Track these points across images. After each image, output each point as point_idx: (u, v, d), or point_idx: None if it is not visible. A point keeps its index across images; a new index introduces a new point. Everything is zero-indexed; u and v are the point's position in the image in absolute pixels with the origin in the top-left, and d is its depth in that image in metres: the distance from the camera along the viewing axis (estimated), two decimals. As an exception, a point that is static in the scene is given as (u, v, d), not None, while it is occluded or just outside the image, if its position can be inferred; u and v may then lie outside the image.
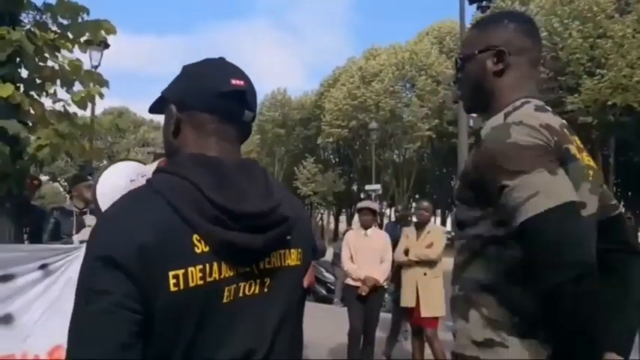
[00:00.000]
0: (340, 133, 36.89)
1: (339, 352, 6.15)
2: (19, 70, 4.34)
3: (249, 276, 1.01)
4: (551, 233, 1.14)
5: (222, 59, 1.14)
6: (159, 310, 0.89)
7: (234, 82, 1.07)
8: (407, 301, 5.28)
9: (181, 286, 0.90)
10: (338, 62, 60.66)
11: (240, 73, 1.10)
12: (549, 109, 1.40)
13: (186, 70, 1.13)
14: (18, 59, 4.26)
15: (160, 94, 1.15)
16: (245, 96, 1.08)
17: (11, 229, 3.92)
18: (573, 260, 1.11)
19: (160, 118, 1.21)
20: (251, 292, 1.01)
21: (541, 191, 1.16)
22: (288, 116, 44.46)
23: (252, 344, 1.01)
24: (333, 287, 10.85)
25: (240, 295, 1.00)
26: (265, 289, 1.04)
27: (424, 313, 5.14)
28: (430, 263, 5.24)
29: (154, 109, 1.19)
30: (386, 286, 5.70)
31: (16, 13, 4.39)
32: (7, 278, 3.41)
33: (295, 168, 41.49)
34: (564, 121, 1.38)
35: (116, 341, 0.86)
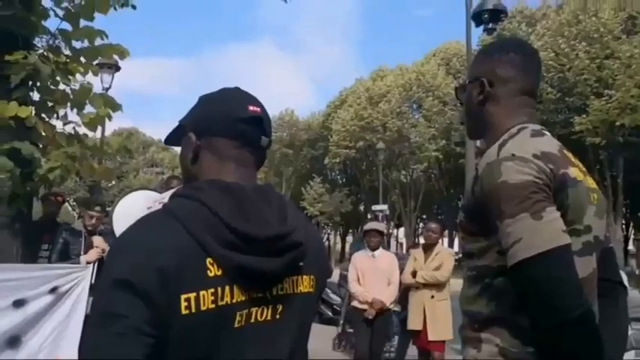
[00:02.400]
0: (347, 154, 36.96)
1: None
2: (30, 93, 4.42)
3: (262, 302, 1.01)
4: (534, 282, 1.17)
5: (237, 88, 1.18)
6: (172, 333, 0.90)
7: (251, 108, 1.10)
8: (414, 323, 5.23)
9: (193, 310, 0.91)
10: (345, 83, 61.06)
11: (255, 100, 1.14)
12: (547, 132, 1.41)
13: (204, 98, 1.16)
14: (30, 82, 4.34)
15: (177, 124, 1.18)
16: (262, 122, 1.12)
17: (19, 250, 3.94)
18: (559, 307, 1.13)
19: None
20: (263, 317, 1.01)
21: (524, 238, 1.18)
22: (295, 137, 44.65)
23: None
24: (339, 309, 10.75)
25: (252, 320, 1.00)
26: (277, 316, 1.04)
27: (431, 336, 5.09)
28: (438, 286, 5.20)
29: (171, 140, 1.21)
30: (394, 309, 5.65)
31: (29, 37, 4.48)
32: (19, 304, 3.40)
33: (302, 188, 41.50)
34: (561, 145, 1.38)
35: None
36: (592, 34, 25.73)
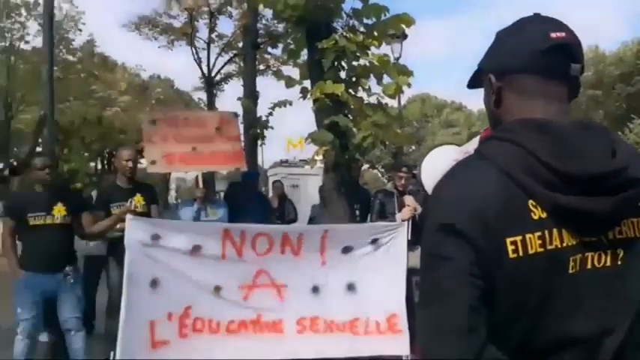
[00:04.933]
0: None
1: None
2: (338, 72, 4.99)
3: (598, 246, 0.92)
4: None
5: (536, 15, 1.06)
6: (500, 277, 0.89)
7: (553, 35, 0.98)
8: None
9: (520, 253, 0.89)
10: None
11: (559, 25, 1.01)
12: None
13: (500, 35, 1.08)
14: (336, 63, 4.90)
15: (476, 68, 1.13)
16: (569, 48, 0.99)
17: (346, 210, 4.57)
18: None
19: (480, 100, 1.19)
20: (601, 264, 0.93)
21: None
22: (603, 74, 39.01)
23: (606, 322, 0.92)
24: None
25: (589, 266, 0.92)
26: (618, 262, 0.93)
27: None
28: None
29: (471, 84, 1.17)
30: None
31: (330, 22, 5.05)
32: (346, 250, 4.06)
33: (620, 132, 36.13)
34: None
35: (464, 305, 0.88)
36: None
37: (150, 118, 4.95)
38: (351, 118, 5.00)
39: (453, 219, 0.91)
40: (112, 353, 3.59)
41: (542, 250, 0.89)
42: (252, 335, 3.94)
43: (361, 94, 5.17)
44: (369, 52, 5.14)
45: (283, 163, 14.95)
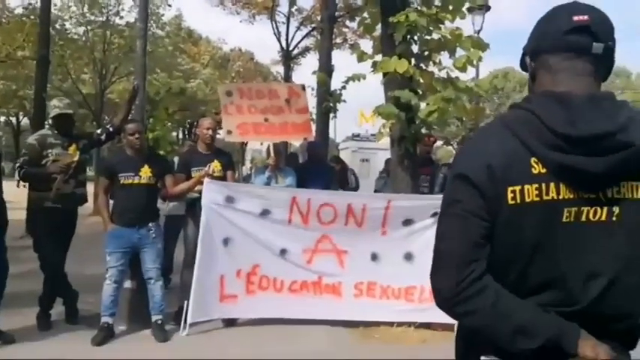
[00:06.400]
0: None
1: None
2: (410, 46, 4.99)
3: (594, 202, 1.06)
4: None
5: (569, 2, 1.20)
6: (501, 221, 1.07)
7: (576, 18, 1.12)
8: None
9: (518, 200, 1.06)
10: None
11: (584, 9, 1.15)
12: None
13: (538, 21, 1.24)
14: (409, 37, 4.90)
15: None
16: (589, 29, 1.12)
17: (409, 182, 4.65)
18: None
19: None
20: (596, 218, 1.06)
21: None
22: None
23: (594, 267, 1.06)
24: None
25: (583, 219, 1.06)
26: (613, 218, 1.06)
27: None
28: None
29: (522, 65, 1.32)
30: None
31: (405, -4, 5.02)
32: (408, 222, 4.20)
33: None
34: None
35: (468, 239, 1.08)
36: None
37: (225, 89, 5.19)
38: (420, 92, 5.00)
39: (467, 170, 1.10)
40: (185, 302, 3.98)
41: (538, 199, 1.06)
42: (312, 296, 4.18)
43: (432, 68, 5.15)
44: (442, 26, 5.09)
45: (355, 136, 15.01)
